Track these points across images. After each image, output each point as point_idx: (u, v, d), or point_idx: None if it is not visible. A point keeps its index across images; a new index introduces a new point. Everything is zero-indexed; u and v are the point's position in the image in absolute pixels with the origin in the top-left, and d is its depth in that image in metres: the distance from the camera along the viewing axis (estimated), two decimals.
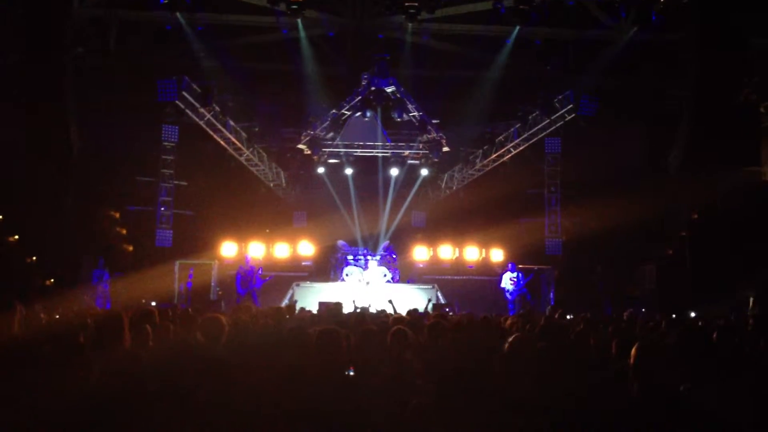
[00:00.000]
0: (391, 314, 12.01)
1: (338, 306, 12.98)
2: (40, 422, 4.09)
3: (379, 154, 23.73)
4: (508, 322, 9.55)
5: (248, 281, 19.95)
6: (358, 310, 12.91)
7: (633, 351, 3.75)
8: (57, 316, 10.43)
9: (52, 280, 18.57)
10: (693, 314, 15.44)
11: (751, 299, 16.45)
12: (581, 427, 3.54)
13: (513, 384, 3.70)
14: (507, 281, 20.47)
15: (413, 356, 6.07)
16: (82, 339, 5.55)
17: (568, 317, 13.92)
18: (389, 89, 21.16)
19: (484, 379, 4.24)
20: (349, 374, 5.29)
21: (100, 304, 18.45)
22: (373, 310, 13.98)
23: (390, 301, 14.35)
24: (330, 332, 5.35)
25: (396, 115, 21.81)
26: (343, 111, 22.07)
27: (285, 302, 19.44)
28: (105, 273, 19.79)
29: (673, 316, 14.42)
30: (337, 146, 23.12)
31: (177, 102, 19.50)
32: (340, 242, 23.04)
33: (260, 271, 20.35)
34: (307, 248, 23.17)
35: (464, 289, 22.23)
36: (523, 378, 3.59)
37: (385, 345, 6.10)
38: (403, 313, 11.75)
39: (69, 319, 9.38)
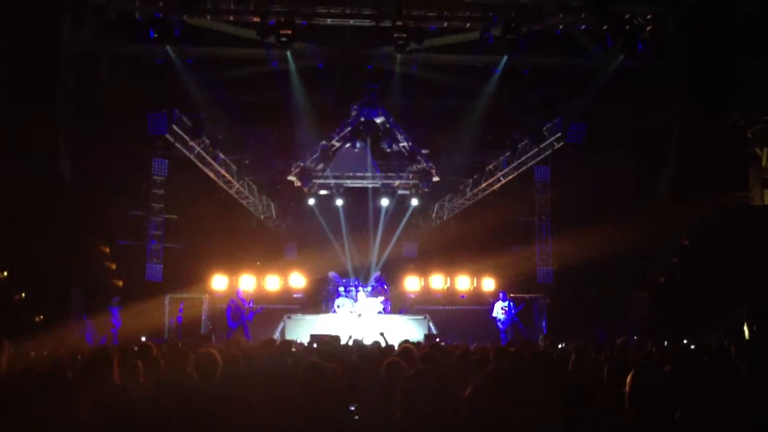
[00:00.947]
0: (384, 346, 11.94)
1: (335, 339, 12.91)
2: None
3: (369, 185, 23.76)
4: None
5: (239, 314, 19.83)
6: (351, 343, 12.82)
7: (628, 378, 3.73)
8: (46, 353, 10.31)
9: (42, 316, 18.40)
10: (686, 342, 15.38)
11: (745, 323, 16.42)
12: None
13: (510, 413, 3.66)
14: (498, 311, 20.43)
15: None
16: (70, 375, 5.49)
17: (560, 346, 13.89)
18: (379, 120, 21.26)
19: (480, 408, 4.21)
20: (351, 410, 5.25)
21: (90, 339, 18.33)
22: (367, 341, 13.90)
23: (381, 334, 14.29)
24: (315, 366, 5.27)
25: (386, 146, 21.90)
26: (333, 142, 22.14)
27: (276, 335, 19.35)
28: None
29: (666, 343, 14.40)
30: (327, 177, 23.14)
31: (167, 135, 19.49)
32: (331, 274, 22.97)
33: (251, 304, 20.25)
34: (298, 280, 23.08)
35: (456, 319, 22.18)
36: (521, 407, 3.55)
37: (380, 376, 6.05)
38: (396, 344, 11.71)
39: (58, 355, 9.27)
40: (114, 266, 22.13)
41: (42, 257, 18.15)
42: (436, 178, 22.76)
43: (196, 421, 4.68)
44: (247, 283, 22.30)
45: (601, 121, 21.02)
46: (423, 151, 22.47)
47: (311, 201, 23.46)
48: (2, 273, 17.94)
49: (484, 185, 23.41)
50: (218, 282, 22.29)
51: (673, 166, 20.19)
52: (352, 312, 21.40)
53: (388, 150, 22.17)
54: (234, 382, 5.91)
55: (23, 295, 18.17)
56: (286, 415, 4.78)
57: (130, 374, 6.03)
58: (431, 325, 20.94)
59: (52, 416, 4.48)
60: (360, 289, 22.36)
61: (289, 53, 20.34)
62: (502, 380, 3.33)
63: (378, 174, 23.62)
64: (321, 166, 22.74)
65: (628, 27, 18.32)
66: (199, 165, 21.20)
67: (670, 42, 19.38)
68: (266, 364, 7.64)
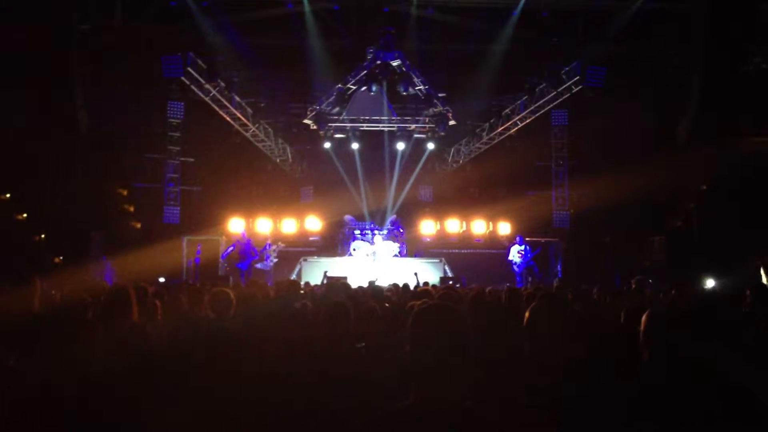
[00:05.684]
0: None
1: (344, 280, 13.00)
2: (48, 397, 4.10)
3: (386, 129, 23.65)
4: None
5: (246, 256, 19.88)
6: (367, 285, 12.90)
7: (643, 318, 3.73)
8: (66, 293, 10.44)
9: (61, 258, 18.62)
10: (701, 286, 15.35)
11: (762, 269, 16.39)
12: (594, 395, 3.53)
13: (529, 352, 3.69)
14: (514, 254, 20.47)
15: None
16: (90, 314, 5.57)
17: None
18: (395, 63, 21.03)
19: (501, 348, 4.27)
20: (359, 347, 5.30)
21: (110, 280, 18.54)
22: (381, 284, 13.97)
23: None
24: (339, 305, 5.38)
25: (402, 89, 21.68)
26: (348, 85, 21.95)
27: (293, 277, 19.52)
28: None
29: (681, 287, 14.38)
30: (343, 121, 23.03)
31: (182, 78, 19.41)
32: (348, 217, 23.06)
33: (268, 247, 20.35)
34: (314, 223, 23.19)
35: (471, 263, 22.25)
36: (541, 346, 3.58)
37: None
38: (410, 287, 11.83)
39: (78, 295, 9.39)
40: (132, 209, 22.29)
41: (61, 200, 18.31)
42: (452, 122, 22.60)
43: (211, 356, 4.75)
44: (263, 226, 22.44)
45: (621, 64, 20.70)
46: (440, 95, 22.26)
47: (327, 144, 23.40)
48: (22, 215, 18.12)
49: (500, 129, 23.22)
50: (235, 224, 22.42)
51: (693, 110, 19.92)
52: (367, 255, 21.53)
53: (405, 93, 21.98)
54: (249, 320, 5.99)
55: (43, 236, 18.38)
56: (299, 351, 4.85)
57: (148, 313, 6.12)
58: (447, 268, 21.05)
59: (72, 353, 4.55)
60: (376, 232, 22.46)
61: None
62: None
63: (394, 117, 23.50)
64: (337, 109, 22.59)
65: None
66: (215, 108, 21.12)
67: None
68: (281, 304, 7.72)
